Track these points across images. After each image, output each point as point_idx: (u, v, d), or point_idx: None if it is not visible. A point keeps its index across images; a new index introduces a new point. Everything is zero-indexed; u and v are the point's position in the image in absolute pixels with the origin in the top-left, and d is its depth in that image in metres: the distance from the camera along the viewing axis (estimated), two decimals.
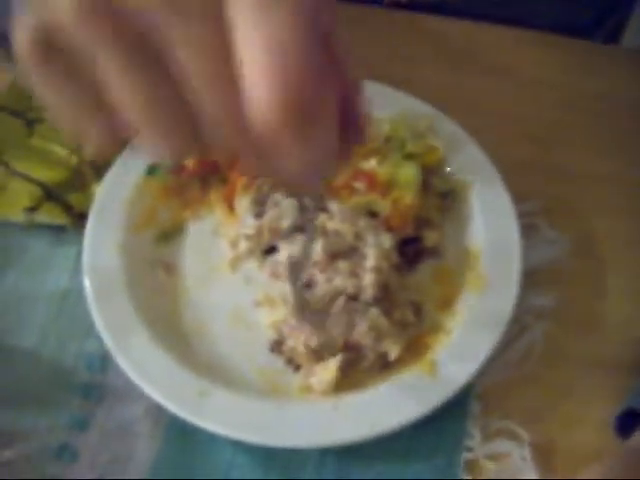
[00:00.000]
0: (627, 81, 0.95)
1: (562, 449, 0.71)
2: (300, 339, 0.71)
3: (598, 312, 0.79)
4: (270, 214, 0.76)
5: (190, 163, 0.81)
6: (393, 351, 0.71)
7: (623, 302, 0.79)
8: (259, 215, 0.77)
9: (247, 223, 0.77)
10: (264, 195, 0.78)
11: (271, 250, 0.77)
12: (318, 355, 0.71)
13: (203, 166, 0.81)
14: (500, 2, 1.00)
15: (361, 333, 0.70)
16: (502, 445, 0.71)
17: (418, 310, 0.75)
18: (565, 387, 0.75)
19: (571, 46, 0.97)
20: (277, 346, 0.73)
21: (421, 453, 0.70)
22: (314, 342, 0.70)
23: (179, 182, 0.81)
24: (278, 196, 0.78)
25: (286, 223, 0.76)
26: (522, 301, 0.75)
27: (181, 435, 0.71)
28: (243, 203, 0.78)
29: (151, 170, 0.80)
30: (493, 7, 0.99)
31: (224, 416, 0.68)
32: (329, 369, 0.70)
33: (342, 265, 0.73)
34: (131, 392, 0.71)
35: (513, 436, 0.71)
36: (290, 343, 0.72)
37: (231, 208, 0.79)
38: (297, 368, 0.72)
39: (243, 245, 0.77)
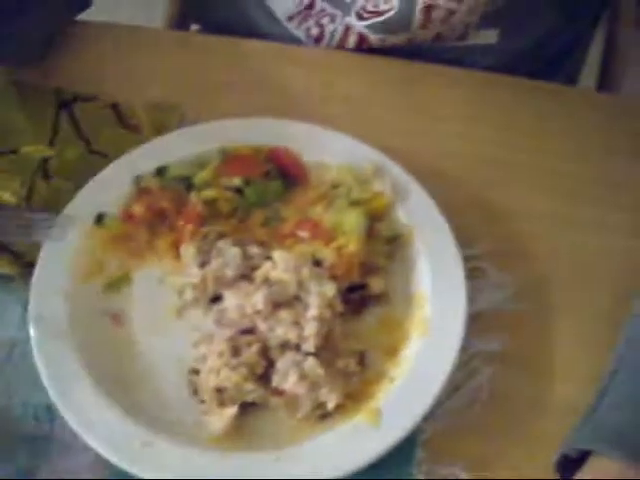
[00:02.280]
0: (576, 122, 0.95)
1: None
2: (210, 374, 0.72)
3: (545, 355, 0.79)
4: (215, 263, 0.77)
5: (138, 210, 0.81)
6: (331, 401, 0.71)
7: (569, 345, 0.80)
8: (204, 264, 0.77)
9: (192, 272, 0.77)
10: (209, 244, 0.78)
11: (217, 298, 0.77)
12: (220, 397, 0.71)
13: (151, 213, 0.81)
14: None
15: (292, 382, 0.71)
16: None
17: (362, 359, 0.75)
18: (512, 432, 0.75)
19: (513, 85, 0.98)
20: (194, 373, 0.74)
21: None
22: (213, 382, 0.71)
23: (126, 230, 0.81)
24: (223, 245, 0.78)
25: (231, 272, 0.76)
26: (468, 345, 0.76)
27: None
28: (189, 252, 0.78)
29: (99, 218, 0.81)
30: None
31: (166, 467, 0.68)
32: (224, 416, 0.71)
33: (284, 314, 0.73)
34: (78, 443, 0.71)
35: None
36: (203, 375, 0.72)
37: (178, 256, 0.80)
38: (202, 402, 0.73)
39: (189, 294, 0.77)
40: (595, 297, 0.82)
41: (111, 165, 0.85)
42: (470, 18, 0.96)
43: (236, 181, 0.82)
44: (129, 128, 0.91)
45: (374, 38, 0.97)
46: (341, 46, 1.00)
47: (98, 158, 0.88)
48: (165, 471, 0.68)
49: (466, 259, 0.79)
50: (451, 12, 0.92)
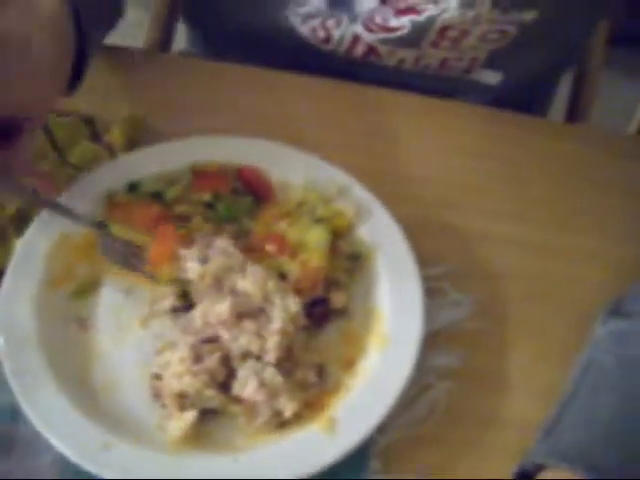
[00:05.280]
0: (539, 150, 0.99)
1: None
2: (172, 379, 0.74)
3: (501, 372, 0.82)
4: (217, 260, 0.78)
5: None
6: (288, 409, 0.73)
7: (525, 362, 0.83)
8: (205, 261, 0.79)
9: (192, 268, 0.78)
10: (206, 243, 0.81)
11: (184, 308, 0.79)
12: (181, 402, 0.73)
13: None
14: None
15: (251, 390, 0.73)
16: None
17: (321, 371, 0.77)
18: (466, 445, 0.78)
19: (478, 113, 1.02)
20: (156, 379, 0.75)
21: None
22: (175, 388, 0.73)
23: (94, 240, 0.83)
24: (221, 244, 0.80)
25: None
26: (426, 361, 0.79)
27: None
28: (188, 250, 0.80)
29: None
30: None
31: (126, 468, 0.70)
32: (184, 421, 0.73)
33: (248, 325, 0.75)
34: (40, 443, 0.72)
35: None
36: (165, 380, 0.74)
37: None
38: (163, 406, 0.75)
39: (167, 302, 0.80)
40: (552, 317, 0.86)
41: (82, 179, 0.86)
42: (477, 52, 0.99)
43: (206, 196, 0.84)
44: (102, 144, 0.93)
45: (383, 49, 0.99)
46: (349, 52, 1.02)
47: (72, 170, 0.89)
48: (125, 472, 0.70)
49: (427, 279, 0.82)
50: (464, 33, 0.95)
